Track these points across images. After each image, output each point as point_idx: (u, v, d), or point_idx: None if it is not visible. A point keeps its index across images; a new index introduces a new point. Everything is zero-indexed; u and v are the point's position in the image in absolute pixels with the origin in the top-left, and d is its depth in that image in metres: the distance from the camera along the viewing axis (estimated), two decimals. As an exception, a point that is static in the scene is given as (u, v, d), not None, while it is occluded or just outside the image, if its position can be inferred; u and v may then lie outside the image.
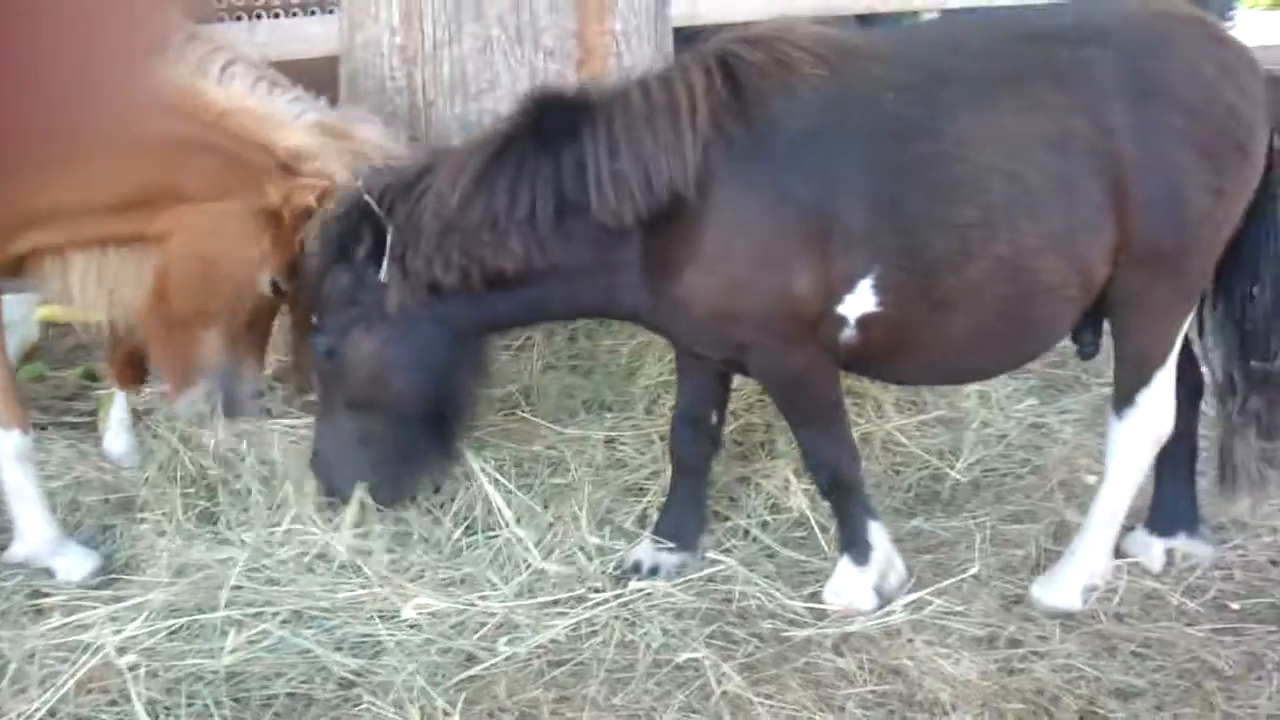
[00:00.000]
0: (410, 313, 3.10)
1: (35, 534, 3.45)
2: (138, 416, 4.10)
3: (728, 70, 3.02)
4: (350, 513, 3.43)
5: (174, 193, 3.26)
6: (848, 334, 3.09)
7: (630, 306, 3.20)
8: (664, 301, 3.12)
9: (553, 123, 3.06)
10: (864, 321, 3.06)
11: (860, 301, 3.04)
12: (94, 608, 3.19)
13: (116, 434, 4.02)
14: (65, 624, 3.13)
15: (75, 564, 3.45)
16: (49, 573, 3.47)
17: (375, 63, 4.23)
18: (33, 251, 3.31)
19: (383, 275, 3.09)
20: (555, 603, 3.24)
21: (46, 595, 3.37)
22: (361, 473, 3.33)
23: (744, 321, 3.09)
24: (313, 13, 6.83)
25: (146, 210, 3.26)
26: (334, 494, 3.39)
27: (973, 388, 4.30)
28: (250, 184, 3.30)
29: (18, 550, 3.48)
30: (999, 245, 3.00)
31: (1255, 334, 3.30)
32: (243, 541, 3.40)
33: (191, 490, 3.71)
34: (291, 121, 3.46)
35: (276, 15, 6.59)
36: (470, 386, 3.32)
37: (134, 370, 4.01)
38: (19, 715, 2.82)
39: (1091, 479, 3.98)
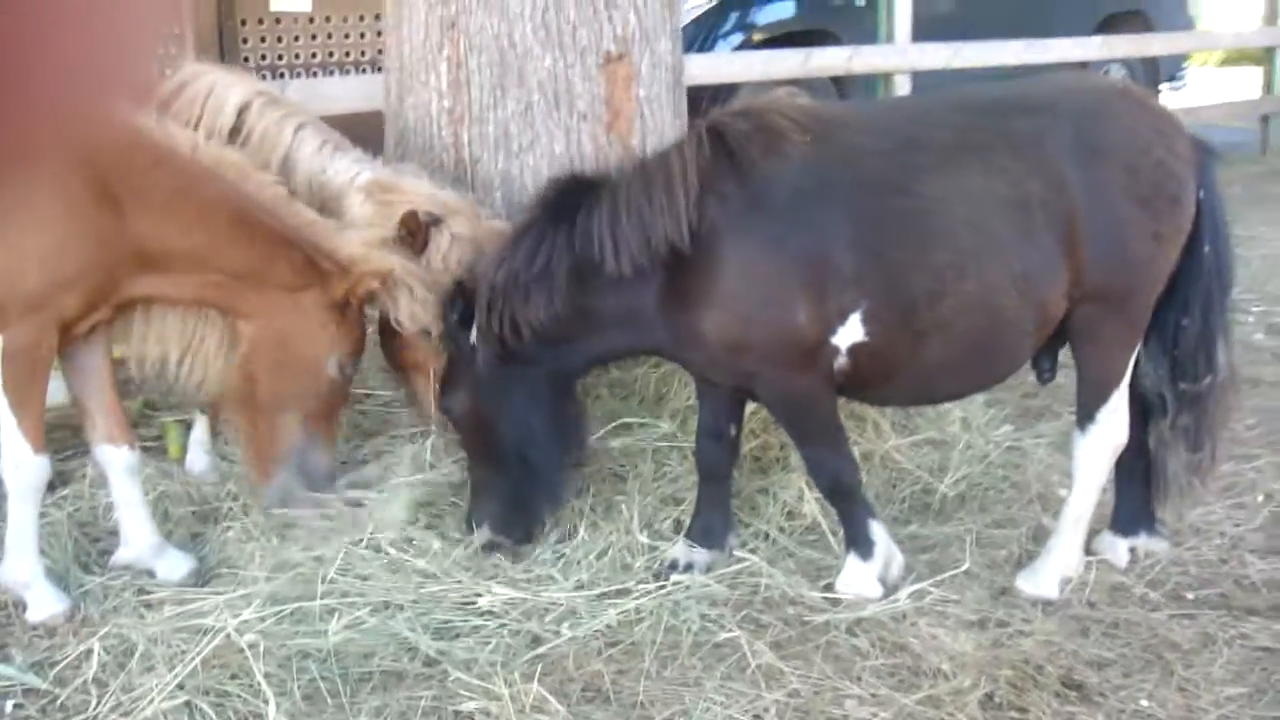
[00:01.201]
0: (495, 369, 3.69)
1: (140, 539, 3.88)
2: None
3: (717, 138, 3.58)
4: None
5: (266, 278, 3.79)
6: (840, 361, 3.62)
7: (654, 343, 3.78)
8: (682, 336, 3.66)
9: (567, 198, 3.66)
10: (854, 350, 3.60)
11: (851, 333, 3.57)
12: (202, 599, 3.64)
13: (196, 454, 4.48)
14: (181, 612, 3.57)
15: (175, 565, 3.89)
16: (150, 574, 3.91)
17: (424, 122, 4.75)
18: (132, 300, 3.79)
19: (472, 338, 3.69)
20: (609, 593, 3.73)
21: (151, 592, 3.82)
22: (491, 514, 3.89)
23: (752, 352, 3.62)
24: (332, 73, 7.36)
25: (242, 287, 3.78)
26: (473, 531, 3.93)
27: (956, 415, 4.84)
28: (320, 280, 3.85)
29: (124, 554, 3.92)
30: (969, 284, 3.54)
31: (1185, 360, 3.83)
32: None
33: (271, 502, 4.18)
34: (348, 230, 4.00)
35: (299, 75, 7.10)
36: (565, 429, 3.90)
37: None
38: (151, 688, 3.27)
39: (1064, 492, 4.49)
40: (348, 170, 4.08)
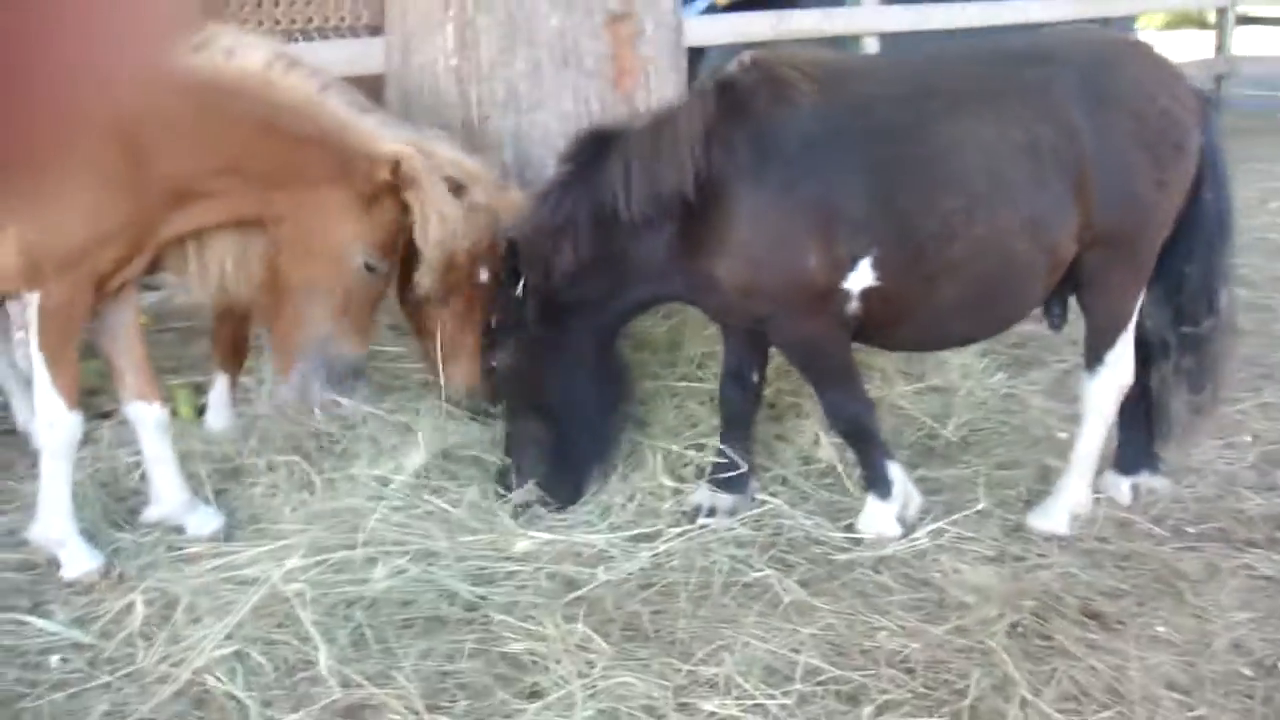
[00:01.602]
0: (541, 323, 3.81)
1: (171, 495, 3.92)
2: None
3: (726, 89, 3.69)
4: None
5: (294, 178, 3.79)
6: (852, 305, 3.73)
7: (675, 290, 3.90)
8: (698, 283, 3.78)
9: (589, 151, 3.80)
10: (866, 294, 3.71)
11: (862, 277, 3.68)
12: (240, 552, 3.69)
13: (217, 412, 4.51)
14: (222, 564, 3.62)
15: (205, 521, 3.93)
16: (180, 530, 3.94)
17: (431, 82, 4.78)
18: (174, 239, 3.80)
19: (518, 291, 3.81)
20: (639, 537, 3.83)
21: (183, 548, 3.86)
22: (536, 472, 3.96)
23: (764, 296, 3.73)
24: (312, 38, 7.32)
25: (271, 192, 3.79)
26: (511, 489, 3.99)
27: (955, 362, 4.97)
28: (350, 176, 3.85)
29: (154, 511, 3.95)
30: (979, 228, 3.65)
31: (1187, 304, 3.98)
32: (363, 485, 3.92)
33: (296, 458, 4.22)
34: (383, 131, 4.00)
35: (296, 39, 7.06)
36: (613, 386, 4.02)
37: (236, 354, 4.50)
38: (200, 639, 3.31)
39: (1062, 435, 4.67)
40: (376, 130, 4.10)
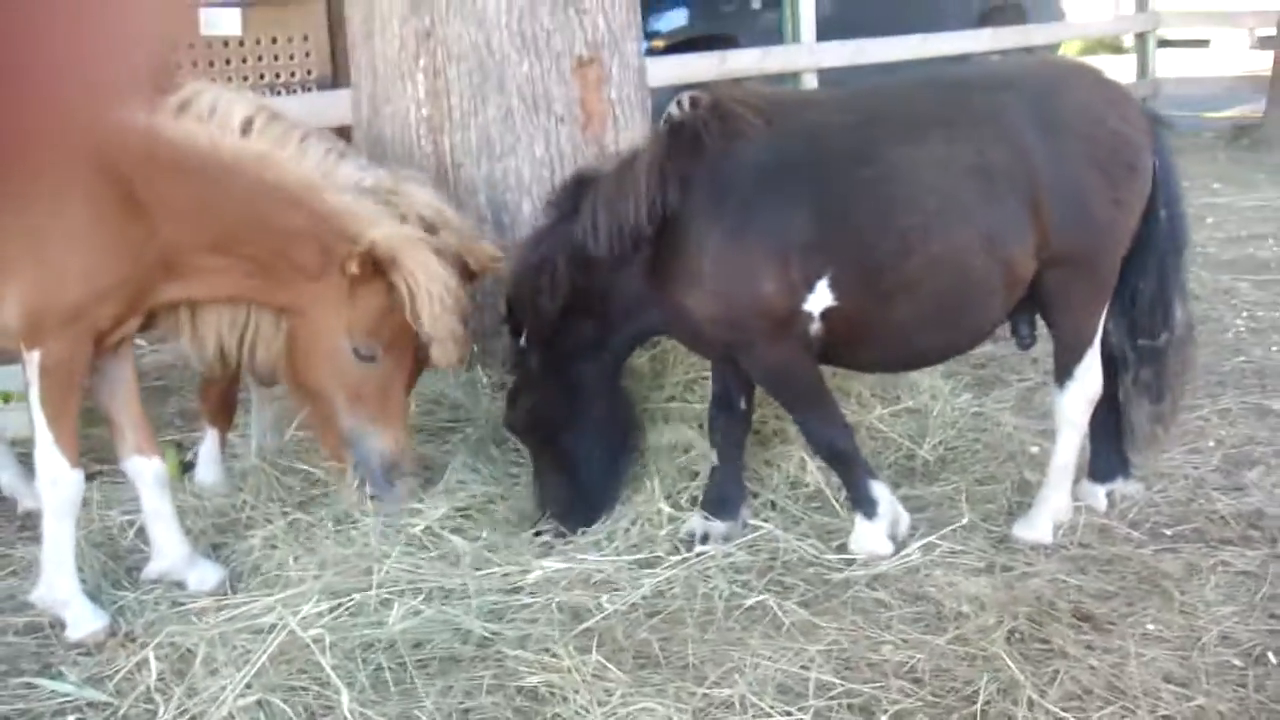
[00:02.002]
0: (547, 368, 3.99)
1: (172, 550, 3.93)
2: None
3: (677, 130, 3.86)
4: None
5: (291, 269, 3.82)
6: (815, 327, 3.86)
7: (653, 322, 4.05)
8: (669, 315, 3.95)
9: (567, 194, 3.99)
10: (826, 314, 3.84)
11: (821, 298, 3.81)
12: (252, 601, 3.71)
13: (207, 467, 4.52)
14: (236, 615, 3.64)
15: (206, 575, 3.94)
16: (181, 585, 3.96)
17: (402, 132, 4.87)
18: (165, 305, 3.84)
19: (523, 341, 3.99)
20: (642, 562, 3.92)
21: (186, 603, 3.87)
22: (556, 508, 4.11)
23: (728, 325, 3.86)
24: (264, 94, 7.38)
25: (270, 282, 3.84)
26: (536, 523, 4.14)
27: (925, 384, 5.12)
28: (334, 266, 3.85)
29: (155, 566, 3.96)
30: (934, 245, 3.78)
31: (1142, 318, 4.13)
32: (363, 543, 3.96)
33: (290, 509, 4.26)
34: (376, 217, 3.95)
35: (278, 93, 7.12)
36: (620, 417, 4.19)
37: (225, 409, 4.53)
38: (219, 689, 3.33)
39: (1034, 449, 4.83)
40: (354, 175, 4.16)
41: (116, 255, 3.55)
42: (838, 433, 4.06)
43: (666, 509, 4.13)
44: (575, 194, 3.95)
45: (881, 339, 3.98)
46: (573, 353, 3.97)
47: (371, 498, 4.05)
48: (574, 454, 4.09)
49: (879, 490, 4.06)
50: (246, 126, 4.18)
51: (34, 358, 3.56)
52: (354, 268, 3.82)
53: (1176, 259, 4.18)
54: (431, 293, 3.85)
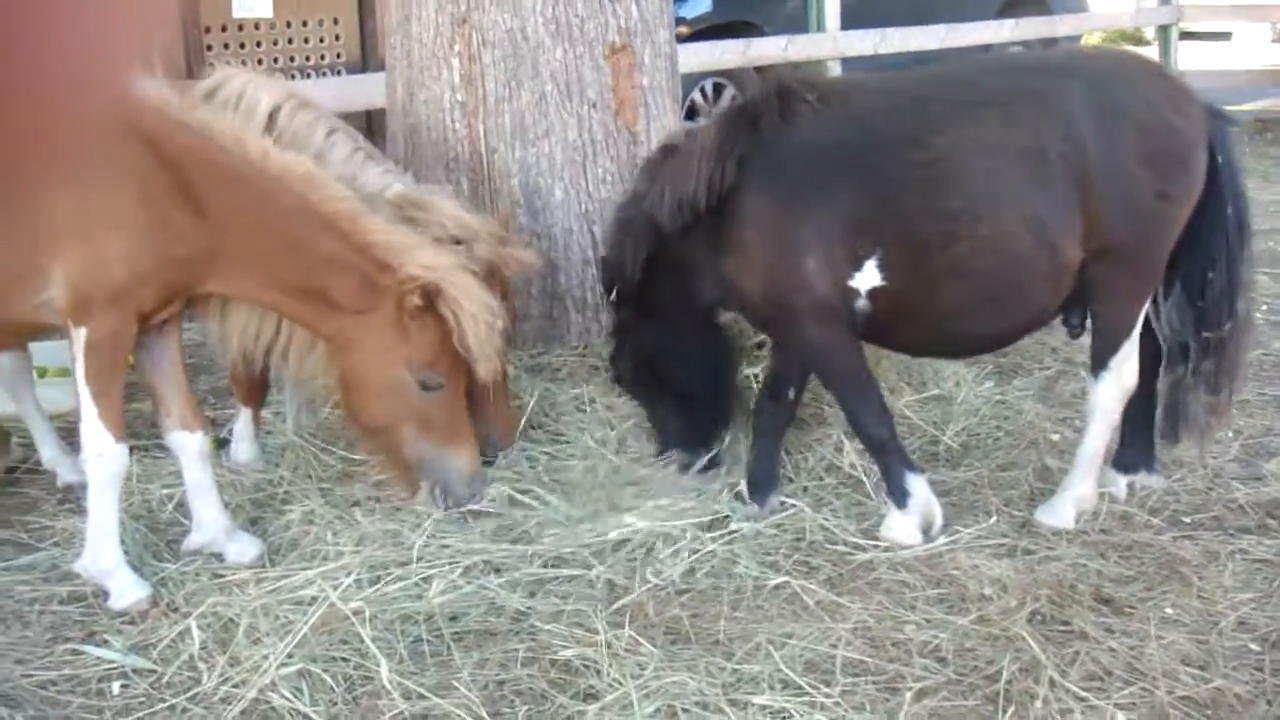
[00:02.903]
0: (639, 320, 4.28)
1: (213, 523, 4.02)
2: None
3: (739, 111, 4.01)
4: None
5: (330, 300, 3.84)
6: (861, 304, 3.93)
7: (716, 293, 4.18)
8: (725, 288, 4.08)
9: (656, 163, 4.16)
10: (873, 293, 3.91)
11: (868, 277, 3.88)
12: (292, 574, 3.81)
13: (242, 445, 4.62)
14: (277, 588, 3.74)
15: (245, 548, 4.04)
16: (219, 557, 4.05)
17: (437, 117, 4.95)
18: (209, 294, 3.95)
19: (612, 298, 4.27)
20: (676, 537, 4.02)
21: (226, 575, 3.96)
22: (677, 441, 4.46)
23: (769, 298, 3.96)
24: (294, 76, 7.47)
25: (309, 308, 3.87)
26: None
27: (950, 371, 5.19)
28: (381, 299, 3.87)
29: (196, 539, 4.06)
30: (983, 228, 3.82)
31: (1210, 310, 4.13)
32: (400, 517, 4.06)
33: (326, 484, 4.36)
34: (414, 245, 3.96)
35: (308, 75, 7.21)
36: (717, 356, 4.43)
37: (257, 389, 4.62)
38: (261, 659, 3.43)
39: (1055, 436, 4.91)
40: (379, 181, 4.22)
41: (159, 241, 3.64)
42: (876, 419, 4.10)
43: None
44: (660, 163, 4.18)
45: (928, 320, 4.02)
46: (659, 307, 4.24)
47: (445, 505, 4.13)
48: (680, 388, 4.34)
49: (914, 482, 4.09)
50: (273, 114, 4.26)
51: (80, 334, 3.66)
52: (416, 304, 3.84)
53: (1241, 252, 4.14)
54: (476, 317, 3.89)
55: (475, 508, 4.12)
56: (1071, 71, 3.95)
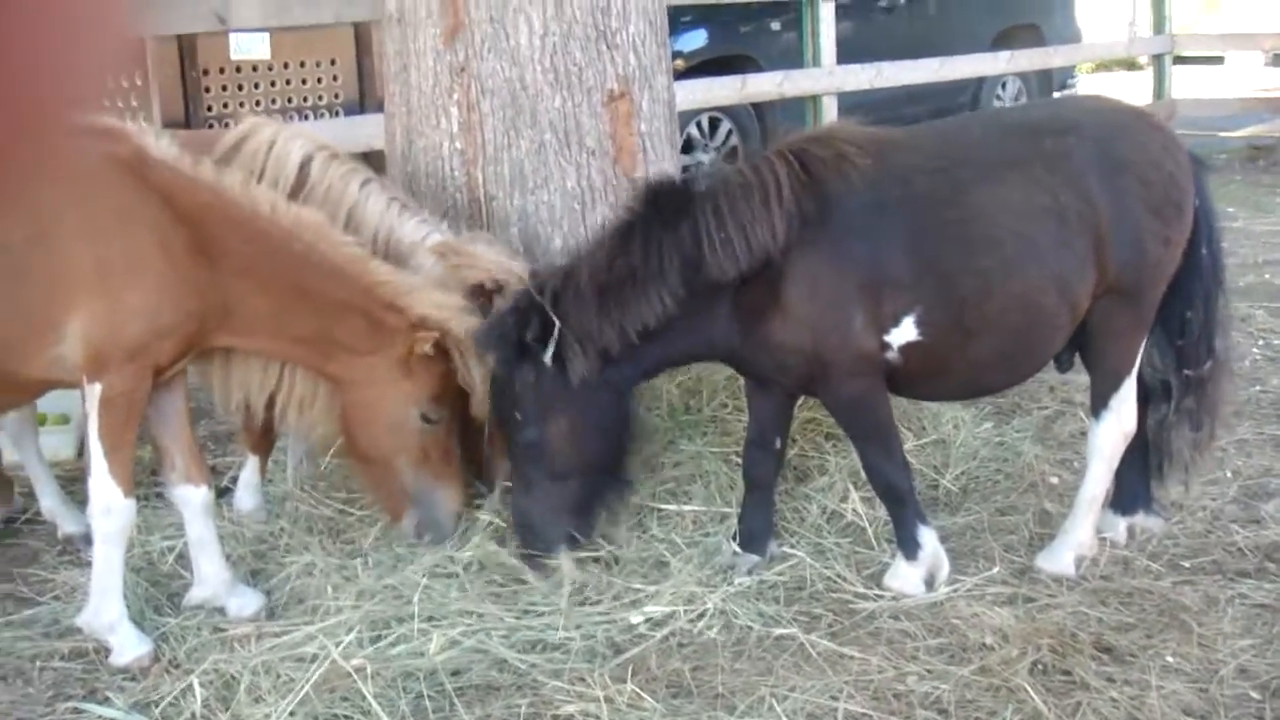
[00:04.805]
0: (588, 383, 3.85)
1: (215, 577, 4.03)
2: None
3: (801, 160, 3.89)
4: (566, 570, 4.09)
5: (339, 344, 3.97)
6: (892, 357, 3.95)
7: (725, 348, 4.05)
8: (752, 341, 3.95)
9: (667, 203, 3.88)
10: (906, 348, 3.93)
11: (904, 333, 3.91)
12: (293, 630, 3.81)
13: (247, 493, 4.63)
14: (278, 644, 3.74)
15: (247, 602, 4.04)
16: (221, 612, 4.05)
17: (436, 165, 4.97)
18: (218, 347, 3.99)
19: (547, 358, 3.80)
20: (675, 595, 4.01)
21: (226, 629, 3.97)
22: (567, 529, 4.06)
23: (811, 355, 3.92)
24: (292, 118, 7.50)
25: (316, 353, 3.99)
26: (545, 552, 4.07)
27: (948, 415, 5.21)
28: (388, 340, 3.99)
29: (198, 593, 4.06)
30: (1014, 285, 3.92)
31: (1189, 348, 4.26)
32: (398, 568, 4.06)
33: (325, 535, 4.36)
34: (420, 286, 4.07)
35: (306, 117, 7.25)
36: (636, 432, 4.18)
37: (266, 436, 4.63)
38: (264, 716, 3.43)
39: (1054, 479, 4.92)
40: (417, 230, 4.26)
41: (180, 295, 3.69)
42: (897, 470, 4.11)
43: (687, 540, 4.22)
44: (677, 203, 3.86)
45: (954, 373, 4.09)
46: (621, 367, 3.90)
47: (423, 538, 4.18)
48: (595, 469, 4.03)
49: (926, 535, 4.11)
50: (305, 164, 4.29)
51: (95, 390, 3.67)
52: (428, 349, 3.95)
53: (1219, 292, 4.31)
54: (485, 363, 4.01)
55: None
56: (1078, 129, 4.04)
